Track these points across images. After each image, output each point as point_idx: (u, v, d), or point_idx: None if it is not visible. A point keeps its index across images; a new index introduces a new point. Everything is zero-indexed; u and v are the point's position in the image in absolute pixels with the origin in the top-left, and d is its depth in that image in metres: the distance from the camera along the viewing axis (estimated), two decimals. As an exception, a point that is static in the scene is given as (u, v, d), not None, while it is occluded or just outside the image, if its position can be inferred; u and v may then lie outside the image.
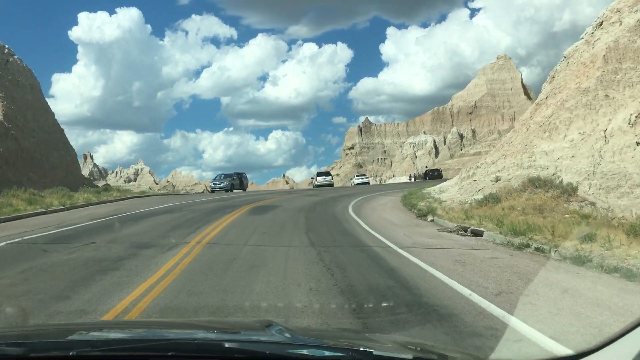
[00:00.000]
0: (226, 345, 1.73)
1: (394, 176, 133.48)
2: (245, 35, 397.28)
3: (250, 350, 1.74)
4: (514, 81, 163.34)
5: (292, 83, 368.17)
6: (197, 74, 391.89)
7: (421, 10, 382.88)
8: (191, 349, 1.71)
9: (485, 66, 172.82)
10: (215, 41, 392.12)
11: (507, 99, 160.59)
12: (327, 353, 1.74)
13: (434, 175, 69.64)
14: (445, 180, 38.74)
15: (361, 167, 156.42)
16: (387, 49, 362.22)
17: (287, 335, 1.95)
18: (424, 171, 74.99)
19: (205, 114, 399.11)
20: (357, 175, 61.30)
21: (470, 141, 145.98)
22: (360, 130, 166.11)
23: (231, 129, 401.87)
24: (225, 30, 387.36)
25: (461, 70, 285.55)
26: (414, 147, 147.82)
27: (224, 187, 40.73)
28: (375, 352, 1.67)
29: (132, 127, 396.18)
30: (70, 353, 1.64)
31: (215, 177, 45.30)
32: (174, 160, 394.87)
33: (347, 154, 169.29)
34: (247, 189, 45.42)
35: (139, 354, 1.65)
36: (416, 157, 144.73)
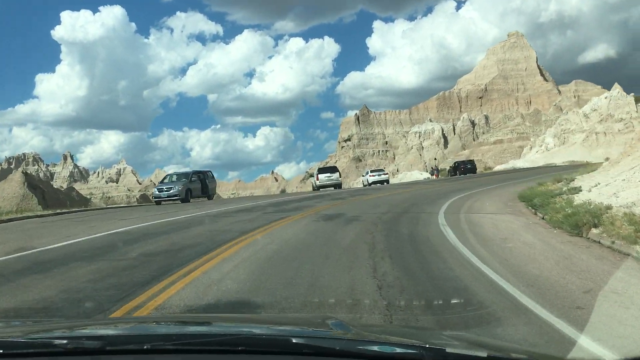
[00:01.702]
0: (294, 341, 1.73)
1: (397, 171, 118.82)
2: (231, 32, 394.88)
3: (319, 347, 1.70)
4: (529, 60, 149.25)
5: (279, 79, 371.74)
6: (183, 71, 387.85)
7: (407, 3, 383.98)
8: (260, 344, 1.74)
9: (495, 45, 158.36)
10: (201, 38, 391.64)
11: (522, 81, 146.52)
12: (398, 350, 1.70)
13: (466, 169, 55.06)
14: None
15: (360, 160, 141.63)
16: (373, 43, 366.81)
17: (352, 331, 1.99)
18: (453, 164, 60.19)
19: (192, 111, 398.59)
20: (371, 172, 46.43)
21: (483, 128, 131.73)
22: (358, 120, 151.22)
23: (218, 126, 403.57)
24: (211, 27, 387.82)
25: (449, 62, 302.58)
26: (419, 136, 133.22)
27: (174, 195, 25.82)
28: (448, 350, 1.63)
29: (119, 126, 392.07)
30: (145, 346, 1.68)
31: (164, 178, 30.21)
32: (161, 159, 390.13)
33: (343, 147, 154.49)
34: (219, 195, 29.66)
35: (212, 348, 1.69)
36: (423, 148, 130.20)
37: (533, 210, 14.15)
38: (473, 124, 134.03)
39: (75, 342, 1.77)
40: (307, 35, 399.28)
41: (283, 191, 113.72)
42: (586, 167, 33.18)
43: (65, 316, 5.31)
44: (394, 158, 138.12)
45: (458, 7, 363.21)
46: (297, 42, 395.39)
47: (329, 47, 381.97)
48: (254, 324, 2.46)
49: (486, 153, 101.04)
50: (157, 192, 26.73)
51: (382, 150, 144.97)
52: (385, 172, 47.64)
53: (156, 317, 4.76)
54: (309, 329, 2.18)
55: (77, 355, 1.70)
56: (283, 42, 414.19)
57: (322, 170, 39.61)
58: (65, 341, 1.77)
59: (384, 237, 9.80)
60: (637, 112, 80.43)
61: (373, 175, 44.93)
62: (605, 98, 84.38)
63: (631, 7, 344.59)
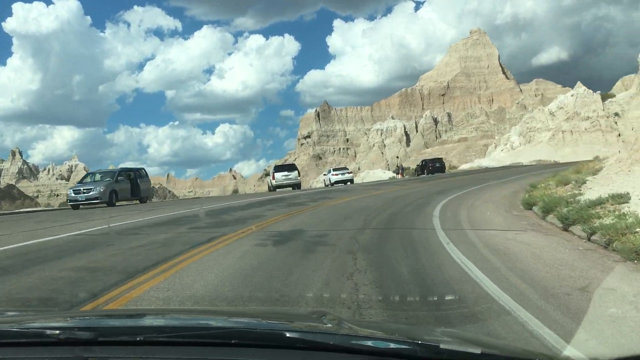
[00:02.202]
0: (287, 335, 1.73)
1: (359, 169, 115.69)
2: (190, 27, 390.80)
3: (312, 341, 1.70)
4: (491, 58, 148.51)
5: (238, 76, 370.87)
6: (141, 66, 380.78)
7: (367, 3, 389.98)
8: (253, 338, 1.74)
9: (457, 42, 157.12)
10: (159, 33, 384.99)
11: (484, 79, 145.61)
12: (392, 345, 1.70)
13: (435, 168, 51.66)
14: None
15: (320, 158, 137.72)
16: (334, 41, 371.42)
17: (346, 326, 1.99)
18: (420, 163, 56.53)
19: (150, 107, 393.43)
20: (334, 170, 42.08)
21: (446, 126, 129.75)
22: (318, 116, 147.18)
23: (177, 122, 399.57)
24: (169, 22, 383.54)
25: (408, 62, 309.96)
26: (381, 134, 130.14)
27: (95, 198, 21.10)
28: (442, 346, 1.62)
29: (73, 122, 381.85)
30: (138, 338, 1.69)
31: (84, 177, 25.35)
32: (117, 156, 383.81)
33: (302, 144, 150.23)
34: (175, 194, 24.89)
35: (205, 341, 1.70)
36: (385, 146, 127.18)
37: (561, 225, 10.34)
38: (436, 121, 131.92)
39: (68, 332, 1.77)
40: (267, 33, 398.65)
41: (235, 191, 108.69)
42: (578, 166, 30.11)
43: (59, 306, 5.08)
44: (355, 156, 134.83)
45: (417, 8, 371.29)
46: (257, 39, 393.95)
47: (289, 44, 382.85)
48: (248, 318, 2.38)
49: (450, 151, 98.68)
50: (72, 195, 21.82)
51: (343, 148, 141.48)
52: (349, 170, 43.37)
53: (149, 309, 4.55)
54: (303, 324, 2.14)
55: (69, 346, 1.69)
56: (243, 39, 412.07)
57: (279, 169, 35.17)
58: (57, 331, 1.76)
59: (372, 287, 5.63)
60: (603, 110, 79.29)
61: (336, 174, 40.82)
62: (572, 96, 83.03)
63: (583, 10, 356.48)
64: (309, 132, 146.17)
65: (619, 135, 76.25)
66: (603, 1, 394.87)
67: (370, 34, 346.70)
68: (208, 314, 2.81)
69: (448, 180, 31.90)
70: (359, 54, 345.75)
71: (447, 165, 62.73)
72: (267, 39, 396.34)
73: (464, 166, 79.61)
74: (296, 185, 34.40)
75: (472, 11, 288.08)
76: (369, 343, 1.69)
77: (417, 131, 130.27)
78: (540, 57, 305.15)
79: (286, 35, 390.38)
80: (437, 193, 21.03)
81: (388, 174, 70.21)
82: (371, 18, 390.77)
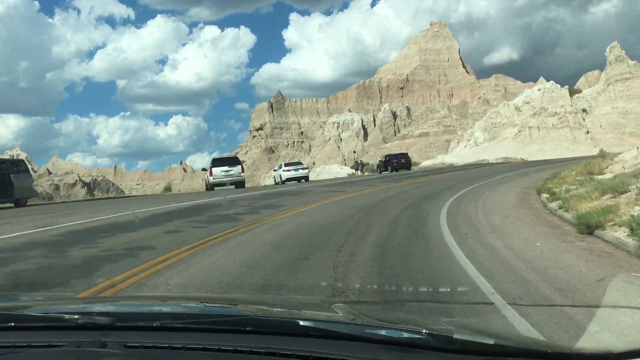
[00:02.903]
0: (301, 324, 1.75)
1: (314, 164, 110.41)
2: (143, 16, 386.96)
3: (325, 329, 1.71)
4: (451, 51, 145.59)
5: (193, 67, 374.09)
6: (91, 54, 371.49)
7: None
8: (267, 325, 1.76)
9: (417, 34, 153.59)
10: (111, 21, 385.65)
11: (444, 72, 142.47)
12: (405, 334, 1.69)
13: (400, 164, 46.58)
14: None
15: (273, 152, 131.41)
16: (290, 35, 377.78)
17: (359, 315, 2.00)
18: (383, 158, 50.93)
19: (100, 97, 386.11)
20: (286, 165, 35.96)
21: (405, 120, 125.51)
22: (272, 107, 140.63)
23: (128, 113, 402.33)
24: (122, 10, 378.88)
25: (364, 58, 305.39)
26: (338, 127, 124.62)
27: None
28: (455, 336, 1.61)
29: (18, 110, 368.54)
30: (155, 324, 1.72)
31: None
32: (65, 147, 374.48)
33: (254, 136, 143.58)
34: (121, 189, 18.87)
35: (220, 327, 1.72)
36: (341, 139, 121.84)
37: None
38: (394, 115, 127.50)
39: (87, 317, 1.80)
40: (222, 24, 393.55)
41: (168, 189, 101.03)
42: (581, 165, 25.35)
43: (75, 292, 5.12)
44: (310, 150, 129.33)
45: (373, 4, 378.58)
46: (212, 31, 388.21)
47: (244, 37, 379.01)
48: (261, 305, 2.47)
49: (411, 147, 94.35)
50: None
51: (298, 141, 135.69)
52: (304, 165, 37.29)
53: (166, 296, 4.70)
54: (317, 313, 2.18)
55: (87, 330, 1.71)
56: (198, 30, 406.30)
57: (217, 162, 28.90)
58: (76, 316, 1.79)
59: None
60: (571, 105, 76.35)
61: (288, 170, 34.88)
62: (539, 90, 79.81)
63: (533, 12, 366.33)
64: (261, 124, 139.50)
65: (587, 132, 73.44)
66: (553, 3, 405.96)
67: (327, 29, 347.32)
68: (223, 301, 2.80)
69: (423, 180, 26.68)
70: (315, 48, 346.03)
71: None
72: (222, 30, 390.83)
73: (426, 162, 75.17)
74: (239, 183, 28.46)
75: (428, 9, 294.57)
76: (383, 332, 1.69)
77: (375, 125, 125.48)
78: (492, 56, 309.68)
79: (242, 27, 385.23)
80: (423, 199, 15.64)
81: (346, 170, 64.83)
82: (327, 13, 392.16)
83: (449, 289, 5.10)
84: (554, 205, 13.03)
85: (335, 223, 10.29)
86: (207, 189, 29.13)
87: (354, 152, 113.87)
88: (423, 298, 4.99)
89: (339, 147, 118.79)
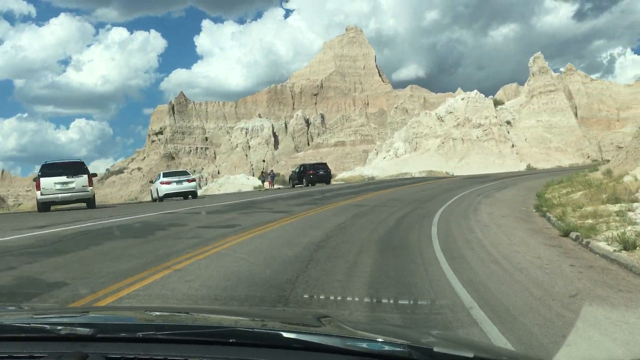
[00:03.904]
0: (284, 336, 1.76)
1: (219, 173, 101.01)
2: (45, 14, 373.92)
3: (308, 342, 1.73)
4: (367, 59, 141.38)
5: (98, 69, 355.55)
6: None
7: (238, 5, 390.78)
8: (251, 337, 1.77)
9: (332, 39, 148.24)
10: (9, 17, 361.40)
11: (359, 80, 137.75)
12: (386, 347, 1.72)
13: (318, 176, 38.77)
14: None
15: (173, 158, 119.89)
16: (202, 42, 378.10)
17: (343, 328, 2.01)
18: (297, 169, 42.45)
19: None
20: (165, 176, 26.60)
21: (319, 129, 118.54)
22: (173, 109, 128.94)
23: (26, 115, 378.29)
24: (22, 6, 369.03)
25: (277, 69, 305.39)
26: (246, 133, 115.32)
27: None
28: (435, 349, 1.66)
29: None
30: (137, 335, 1.72)
31: None
32: None
33: (153, 141, 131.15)
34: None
35: (203, 339, 1.72)
36: (250, 147, 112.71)
37: None
38: (308, 122, 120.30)
39: (69, 328, 1.80)
40: (131, 27, 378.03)
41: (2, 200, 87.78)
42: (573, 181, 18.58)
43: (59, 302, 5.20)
44: (215, 157, 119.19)
45: (286, 15, 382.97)
46: (120, 33, 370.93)
47: (155, 41, 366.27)
48: (245, 317, 2.44)
49: (326, 157, 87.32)
50: None
51: (201, 148, 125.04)
52: (192, 176, 28.12)
53: (149, 306, 4.66)
54: (301, 325, 2.18)
55: (69, 341, 1.70)
56: (105, 31, 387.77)
57: (50, 170, 19.40)
58: (58, 327, 1.80)
59: None
60: (496, 117, 72.49)
61: (168, 182, 25.78)
62: (462, 99, 75.45)
63: (439, 32, 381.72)
64: (161, 128, 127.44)
65: (513, 146, 69.68)
66: (457, 24, 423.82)
67: (240, 37, 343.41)
68: (208, 312, 2.87)
69: (359, 201, 18.87)
70: (228, 56, 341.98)
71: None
72: (131, 33, 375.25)
73: (344, 174, 68.24)
74: (85, 200, 19.25)
75: (340, 23, 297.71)
76: (364, 345, 1.71)
77: (287, 132, 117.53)
78: (400, 72, 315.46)
79: (152, 31, 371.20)
80: (376, 246, 7.70)
81: (253, 181, 56.15)
82: (241, 21, 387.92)
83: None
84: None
85: None
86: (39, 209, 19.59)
87: (264, 160, 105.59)
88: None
89: (247, 155, 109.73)
